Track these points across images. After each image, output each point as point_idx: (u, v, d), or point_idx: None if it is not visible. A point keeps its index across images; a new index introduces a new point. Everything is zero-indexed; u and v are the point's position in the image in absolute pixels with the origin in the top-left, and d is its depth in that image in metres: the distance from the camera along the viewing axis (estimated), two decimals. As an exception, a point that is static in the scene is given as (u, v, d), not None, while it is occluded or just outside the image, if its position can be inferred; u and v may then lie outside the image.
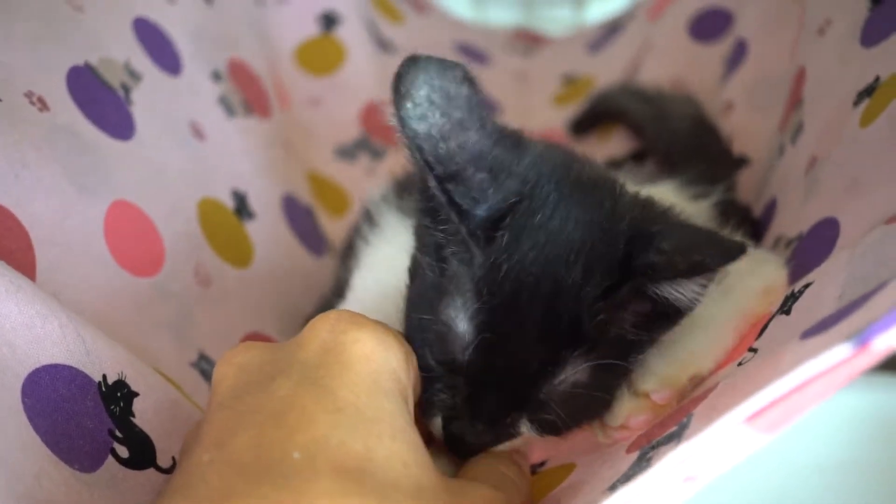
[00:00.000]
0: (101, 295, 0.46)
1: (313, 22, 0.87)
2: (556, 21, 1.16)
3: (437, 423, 0.42)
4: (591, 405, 0.42)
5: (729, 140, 0.70)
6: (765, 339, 0.42)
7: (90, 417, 0.39)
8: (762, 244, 0.56)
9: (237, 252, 0.62)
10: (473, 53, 1.03)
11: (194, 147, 0.61)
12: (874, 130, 0.44)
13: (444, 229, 0.40)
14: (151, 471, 0.41)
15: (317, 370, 0.34)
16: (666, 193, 0.50)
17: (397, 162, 0.77)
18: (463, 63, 0.38)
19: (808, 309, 0.39)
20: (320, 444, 0.31)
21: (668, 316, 0.41)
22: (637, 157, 0.79)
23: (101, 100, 0.52)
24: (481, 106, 0.39)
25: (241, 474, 0.30)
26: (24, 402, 0.36)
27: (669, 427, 0.38)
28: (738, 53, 0.74)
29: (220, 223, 0.61)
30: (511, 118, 0.96)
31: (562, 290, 0.38)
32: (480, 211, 0.39)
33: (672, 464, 0.29)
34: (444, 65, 0.37)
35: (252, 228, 0.65)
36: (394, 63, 0.37)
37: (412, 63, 0.37)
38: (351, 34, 0.87)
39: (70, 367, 0.39)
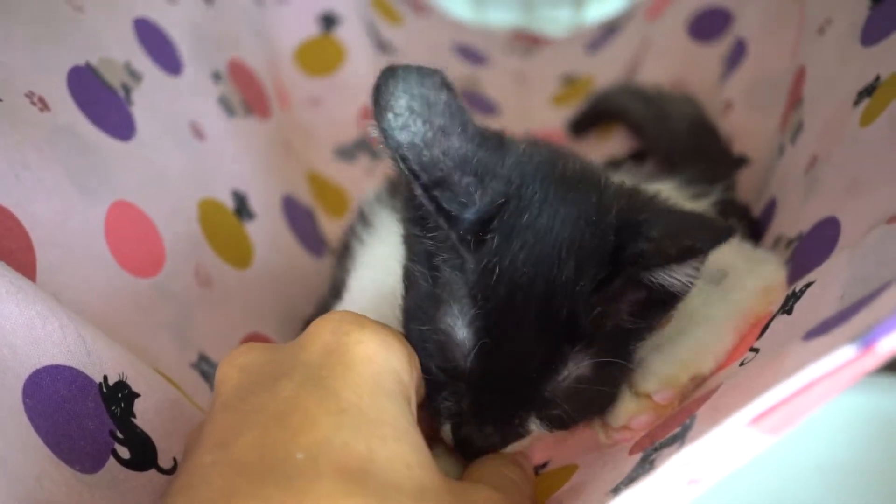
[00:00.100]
0: (101, 295, 0.46)
1: (313, 22, 0.87)
2: (555, 22, 1.16)
3: (446, 428, 0.42)
4: (597, 399, 0.42)
5: (728, 140, 0.70)
6: (766, 338, 0.42)
7: (91, 418, 0.39)
8: (762, 244, 0.56)
9: (237, 253, 0.62)
10: (472, 54, 1.03)
11: (195, 147, 0.61)
12: (874, 130, 0.45)
13: (434, 236, 0.40)
14: (153, 472, 0.40)
15: (319, 371, 0.34)
16: (665, 193, 0.50)
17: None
18: (440, 69, 0.38)
19: (810, 309, 0.39)
20: (323, 445, 0.31)
21: (664, 302, 0.41)
22: (636, 157, 0.79)
23: (102, 100, 0.52)
24: (462, 110, 0.39)
25: (245, 475, 0.30)
26: (25, 402, 0.36)
27: (672, 428, 0.38)
28: (738, 53, 0.74)
29: (220, 224, 0.61)
30: (510, 119, 0.96)
31: (556, 287, 0.38)
32: (468, 215, 0.39)
33: (676, 466, 0.29)
34: (421, 72, 0.38)
35: (252, 229, 0.65)
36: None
37: (390, 74, 0.37)
38: (351, 35, 0.87)
39: (71, 368, 0.39)
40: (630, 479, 0.35)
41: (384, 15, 0.98)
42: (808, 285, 0.41)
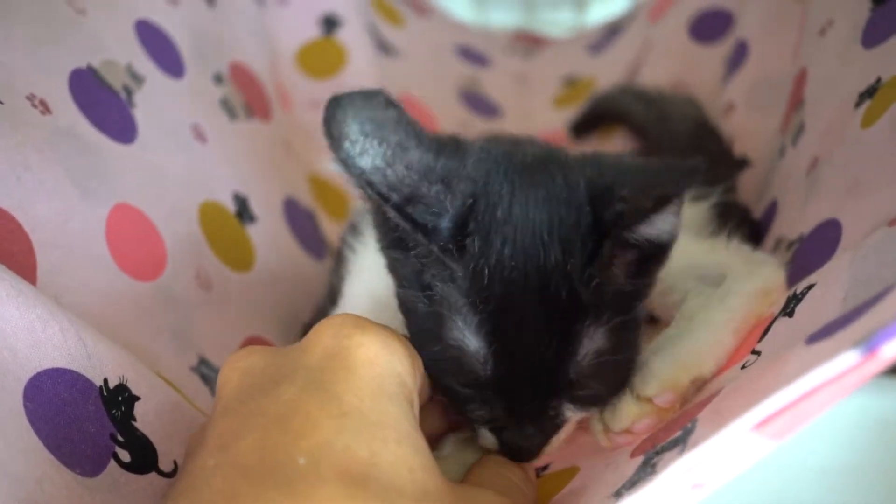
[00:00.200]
0: (102, 298, 0.46)
1: (314, 24, 0.87)
2: (557, 23, 1.16)
3: (485, 435, 0.42)
4: (622, 367, 0.42)
5: (730, 141, 0.70)
6: (768, 341, 0.42)
7: (92, 421, 0.39)
8: (763, 246, 0.56)
9: (238, 256, 0.62)
10: (474, 55, 1.03)
11: (196, 150, 0.61)
12: (876, 131, 0.44)
13: (417, 254, 0.40)
14: (153, 475, 0.40)
15: (321, 374, 0.34)
16: None
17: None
18: (380, 89, 0.38)
19: (812, 311, 0.39)
20: (325, 449, 0.30)
21: (656, 255, 0.41)
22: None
23: (103, 102, 0.52)
24: (412, 123, 0.39)
25: (246, 478, 0.30)
26: (25, 406, 0.36)
27: (674, 432, 0.38)
28: (739, 54, 0.74)
29: (221, 226, 0.61)
30: (511, 120, 0.96)
31: (548, 272, 0.38)
32: (444, 223, 0.38)
33: (680, 471, 0.29)
34: (365, 96, 0.38)
35: (253, 232, 0.65)
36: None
37: (335, 104, 0.37)
38: (352, 37, 0.87)
39: (71, 371, 0.39)
40: (632, 483, 0.35)
41: (385, 16, 0.98)
42: (809, 287, 0.41)
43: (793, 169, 0.55)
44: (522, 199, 0.40)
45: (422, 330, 0.41)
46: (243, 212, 0.65)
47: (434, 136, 0.40)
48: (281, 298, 0.65)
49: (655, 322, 0.51)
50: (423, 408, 0.39)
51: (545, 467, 0.48)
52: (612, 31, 1.04)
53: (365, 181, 0.37)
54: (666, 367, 0.43)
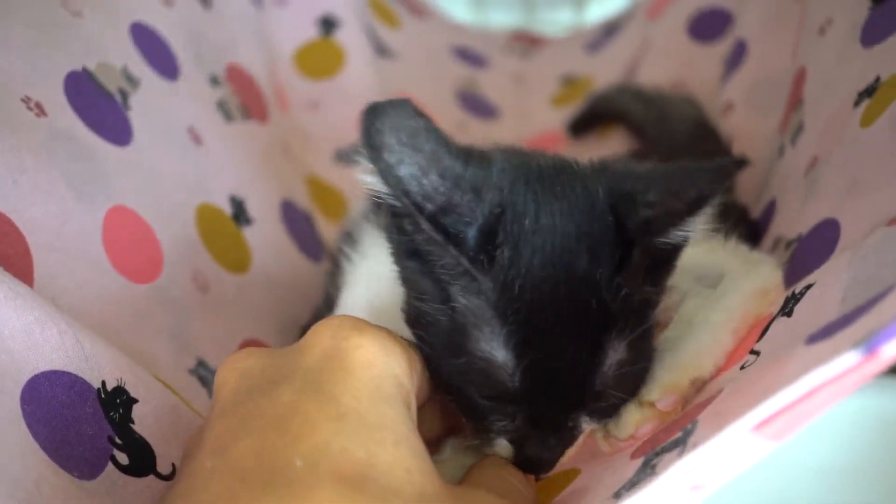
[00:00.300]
0: (98, 301, 0.45)
1: (312, 25, 0.87)
2: (555, 23, 1.16)
3: (502, 444, 0.41)
4: (638, 377, 0.42)
5: (729, 141, 0.70)
6: (766, 341, 0.41)
7: (90, 424, 0.39)
8: (761, 245, 0.56)
9: (235, 258, 0.62)
10: (471, 56, 1.03)
11: (192, 152, 0.61)
12: (875, 131, 0.44)
13: (442, 265, 0.39)
14: (151, 478, 0.40)
15: (319, 376, 0.33)
16: None
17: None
18: (407, 98, 0.38)
19: (811, 311, 0.39)
20: (322, 451, 0.30)
21: (668, 259, 0.41)
22: (636, 158, 0.79)
23: (99, 105, 0.52)
24: (440, 131, 0.39)
25: (243, 481, 0.29)
26: (23, 408, 0.36)
27: (674, 433, 0.38)
28: (738, 54, 0.74)
29: (218, 229, 0.61)
30: (509, 120, 0.96)
31: (578, 282, 0.38)
32: (472, 232, 0.38)
33: (679, 473, 0.29)
34: (397, 104, 0.37)
35: (250, 234, 0.65)
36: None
37: (373, 114, 0.37)
38: (350, 38, 0.87)
39: (69, 374, 0.39)
40: (631, 484, 0.35)
41: (382, 18, 0.98)
42: (808, 287, 0.41)
43: (792, 168, 0.55)
44: (548, 209, 0.39)
45: (443, 343, 0.40)
46: (240, 214, 0.65)
47: (461, 145, 0.40)
48: (278, 301, 0.65)
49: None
50: (421, 410, 0.39)
51: (545, 469, 0.48)
52: (610, 30, 1.04)
53: (402, 191, 0.37)
54: (666, 371, 0.43)
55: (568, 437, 0.41)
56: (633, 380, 0.42)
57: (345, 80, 0.86)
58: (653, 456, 0.37)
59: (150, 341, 0.48)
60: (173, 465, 0.42)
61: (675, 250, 0.40)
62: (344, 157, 0.84)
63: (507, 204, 0.39)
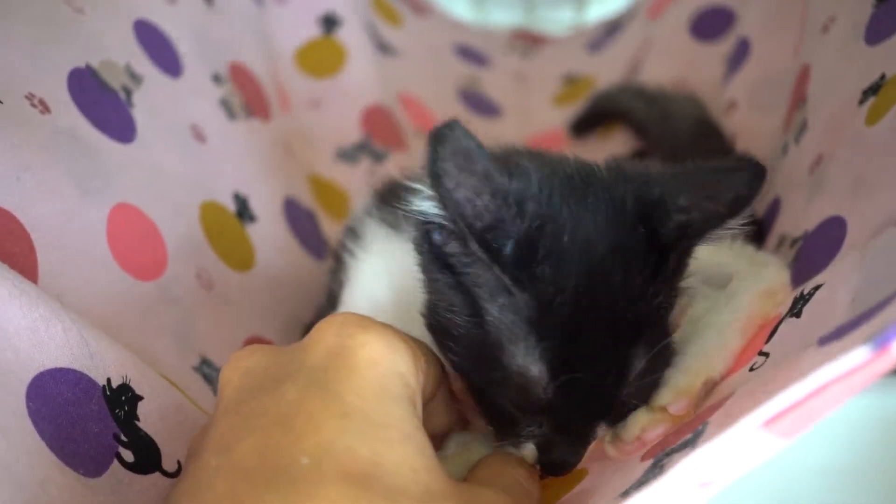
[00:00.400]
0: (103, 298, 0.45)
1: (314, 24, 0.87)
2: (556, 22, 1.16)
3: (529, 449, 0.41)
4: (655, 385, 0.42)
5: (732, 140, 0.70)
6: (776, 342, 0.41)
7: (95, 421, 0.39)
8: (766, 243, 0.56)
9: (239, 256, 0.62)
10: (473, 55, 1.03)
11: (195, 150, 0.61)
12: (881, 129, 0.44)
13: (481, 282, 0.39)
14: (157, 475, 0.40)
15: (323, 374, 0.33)
16: None
17: (398, 165, 0.77)
18: (455, 118, 0.38)
19: (820, 313, 0.39)
20: (327, 449, 0.30)
21: (683, 266, 0.41)
22: (638, 157, 0.79)
23: (103, 102, 0.52)
24: (486, 147, 0.38)
25: (248, 480, 0.29)
26: (28, 406, 0.36)
27: (685, 434, 0.38)
28: (741, 52, 0.74)
29: (221, 226, 0.60)
30: (511, 119, 0.96)
31: (614, 297, 0.38)
32: (510, 246, 0.38)
33: (687, 469, 0.29)
34: (452, 127, 0.37)
35: (253, 231, 0.65)
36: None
37: (437, 139, 0.36)
38: (351, 36, 0.87)
39: (74, 371, 0.39)
40: (640, 484, 0.35)
41: (384, 16, 0.98)
42: (816, 288, 0.41)
43: (796, 167, 0.55)
44: (583, 223, 0.39)
45: (473, 354, 0.40)
46: (244, 212, 0.65)
47: (500, 156, 0.40)
48: (282, 298, 0.65)
49: None
50: (426, 405, 0.39)
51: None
52: (612, 29, 1.03)
53: (459, 214, 0.37)
54: (677, 374, 0.42)
55: (588, 441, 0.41)
56: (652, 387, 0.42)
57: (346, 79, 0.86)
58: (662, 457, 0.37)
59: (154, 339, 0.48)
60: (179, 462, 0.42)
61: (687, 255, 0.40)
62: (345, 155, 0.84)
63: (547, 217, 0.39)
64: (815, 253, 0.46)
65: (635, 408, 0.42)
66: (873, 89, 0.46)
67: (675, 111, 0.76)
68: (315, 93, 0.85)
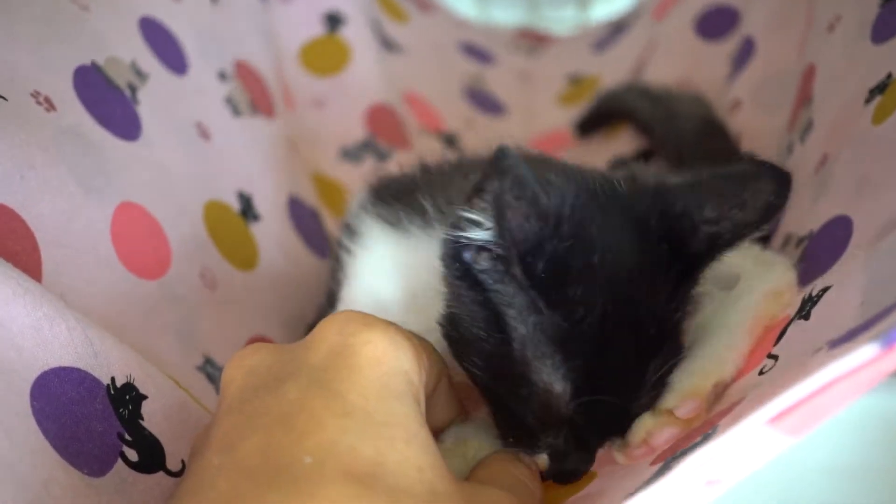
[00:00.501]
0: (107, 297, 0.45)
1: (318, 22, 0.87)
2: (560, 21, 1.16)
3: (543, 458, 0.41)
4: (661, 395, 0.42)
5: (737, 139, 0.70)
6: (784, 345, 0.41)
7: (99, 420, 0.39)
8: (771, 242, 0.56)
9: (243, 255, 0.62)
10: (478, 53, 1.03)
11: (200, 148, 0.61)
12: (887, 128, 0.44)
13: (512, 302, 0.39)
14: (161, 474, 0.40)
15: (326, 373, 0.33)
16: None
17: (402, 163, 0.77)
18: (503, 144, 0.37)
19: (829, 315, 0.39)
20: (330, 448, 0.30)
21: (696, 279, 0.41)
22: (644, 156, 0.79)
23: (108, 100, 0.52)
24: (529, 168, 0.38)
25: (251, 479, 0.29)
26: (32, 405, 0.36)
27: (695, 438, 0.38)
28: (746, 51, 0.73)
29: (226, 225, 0.60)
30: (516, 117, 0.96)
31: (640, 314, 0.38)
32: (542, 264, 0.38)
33: (693, 466, 0.29)
34: (508, 156, 0.36)
35: (257, 231, 0.65)
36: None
37: (500, 174, 0.36)
38: (356, 34, 0.87)
39: (78, 370, 0.39)
40: (648, 484, 0.35)
41: (389, 13, 0.98)
42: (824, 290, 0.41)
43: (801, 166, 0.55)
44: (609, 241, 0.39)
45: (496, 367, 0.40)
46: (248, 210, 0.64)
47: (535, 168, 0.39)
48: (286, 297, 0.65)
49: None
50: (428, 400, 0.39)
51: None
52: (617, 28, 1.03)
53: (511, 241, 0.37)
54: (687, 376, 0.42)
55: (598, 449, 0.42)
56: (657, 397, 0.42)
57: (350, 77, 0.86)
58: (671, 460, 0.37)
59: (157, 338, 0.48)
60: (182, 461, 0.41)
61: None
62: (350, 154, 0.84)
63: (577, 237, 0.39)
64: (820, 252, 0.46)
65: (636, 419, 0.42)
66: (880, 88, 0.46)
67: (680, 111, 0.75)
68: (319, 91, 0.85)
